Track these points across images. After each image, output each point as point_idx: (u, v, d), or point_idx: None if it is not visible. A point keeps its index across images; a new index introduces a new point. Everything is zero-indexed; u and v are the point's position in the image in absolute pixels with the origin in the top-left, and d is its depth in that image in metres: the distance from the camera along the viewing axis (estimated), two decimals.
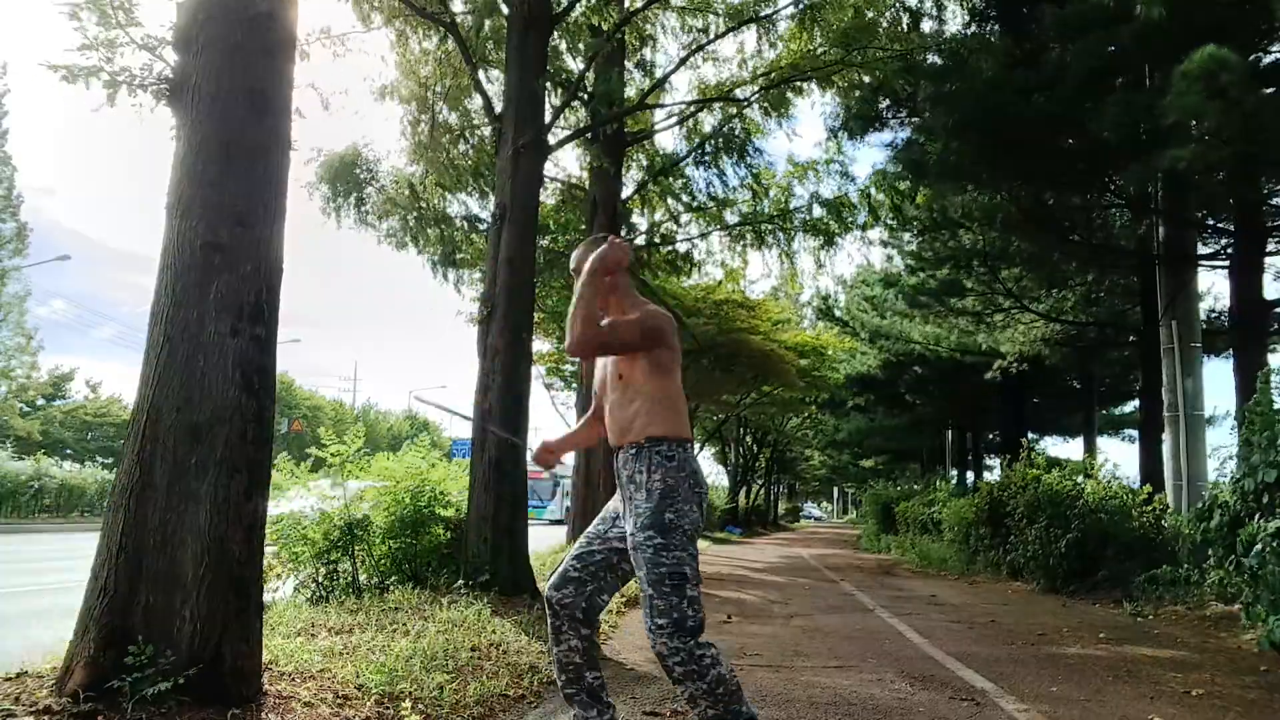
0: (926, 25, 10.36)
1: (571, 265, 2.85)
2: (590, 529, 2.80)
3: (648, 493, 2.57)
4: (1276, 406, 5.49)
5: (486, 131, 10.55)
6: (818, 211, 13.00)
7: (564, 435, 3.12)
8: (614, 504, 2.79)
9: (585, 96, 10.26)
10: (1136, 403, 17.31)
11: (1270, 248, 10.76)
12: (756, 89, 11.06)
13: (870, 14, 9.63)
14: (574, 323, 2.57)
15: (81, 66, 3.54)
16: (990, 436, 26.79)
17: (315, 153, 10.70)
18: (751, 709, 2.55)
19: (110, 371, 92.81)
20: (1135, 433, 15.94)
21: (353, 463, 6.32)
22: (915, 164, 10.68)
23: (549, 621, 2.75)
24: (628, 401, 2.68)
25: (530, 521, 7.23)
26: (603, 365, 2.86)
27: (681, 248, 13.98)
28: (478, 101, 10.26)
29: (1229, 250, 10.71)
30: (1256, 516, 5.28)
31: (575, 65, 10.72)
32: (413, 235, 11.91)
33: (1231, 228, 10.66)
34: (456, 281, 13.57)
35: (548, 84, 8.30)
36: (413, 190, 11.00)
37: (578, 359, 2.82)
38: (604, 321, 2.70)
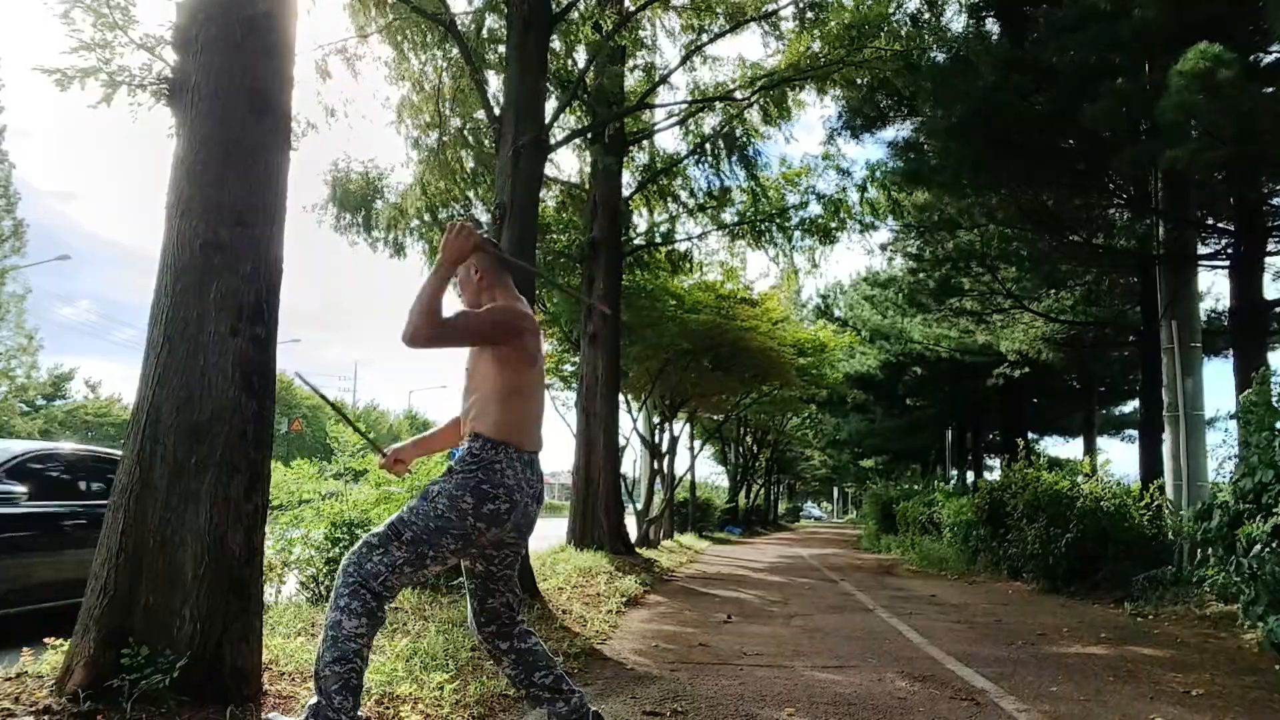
0: (926, 23, 10.35)
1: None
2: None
3: (439, 484, 2.57)
4: (1275, 406, 5.49)
5: (487, 135, 10.57)
6: (816, 210, 13.02)
7: (419, 438, 2.99)
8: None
9: (585, 96, 10.26)
10: (1136, 403, 17.32)
11: (1270, 248, 10.74)
12: (757, 89, 11.06)
13: (871, 9, 9.61)
14: (410, 313, 2.52)
15: (77, 68, 3.54)
16: (990, 436, 26.78)
17: (325, 174, 10.84)
18: (339, 697, 2.35)
19: (112, 372, 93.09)
20: (1135, 433, 15.93)
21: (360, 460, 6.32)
22: (914, 172, 10.68)
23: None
24: (470, 392, 2.68)
25: None
26: (466, 354, 2.81)
27: (681, 247, 13.99)
28: (480, 105, 10.30)
29: (1229, 250, 10.71)
30: (1255, 517, 5.28)
31: (576, 65, 10.72)
32: (404, 238, 11.92)
33: (1231, 227, 10.65)
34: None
35: (548, 84, 8.30)
36: (415, 198, 10.99)
37: (415, 349, 2.73)
38: (452, 313, 2.66)
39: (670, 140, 59.80)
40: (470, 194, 11.43)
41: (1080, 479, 9.62)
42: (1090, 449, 20.14)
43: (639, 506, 16.58)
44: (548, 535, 14.36)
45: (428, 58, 9.50)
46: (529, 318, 2.72)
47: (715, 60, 11.99)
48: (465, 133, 10.34)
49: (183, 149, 3.21)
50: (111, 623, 2.86)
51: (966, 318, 15.59)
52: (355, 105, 20.25)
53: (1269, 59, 8.45)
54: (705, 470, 40.66)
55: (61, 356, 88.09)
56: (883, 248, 14.70)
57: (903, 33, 9.79)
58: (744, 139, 12.57)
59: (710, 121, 12.56)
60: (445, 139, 10.10)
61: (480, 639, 2.74)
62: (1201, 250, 10.73)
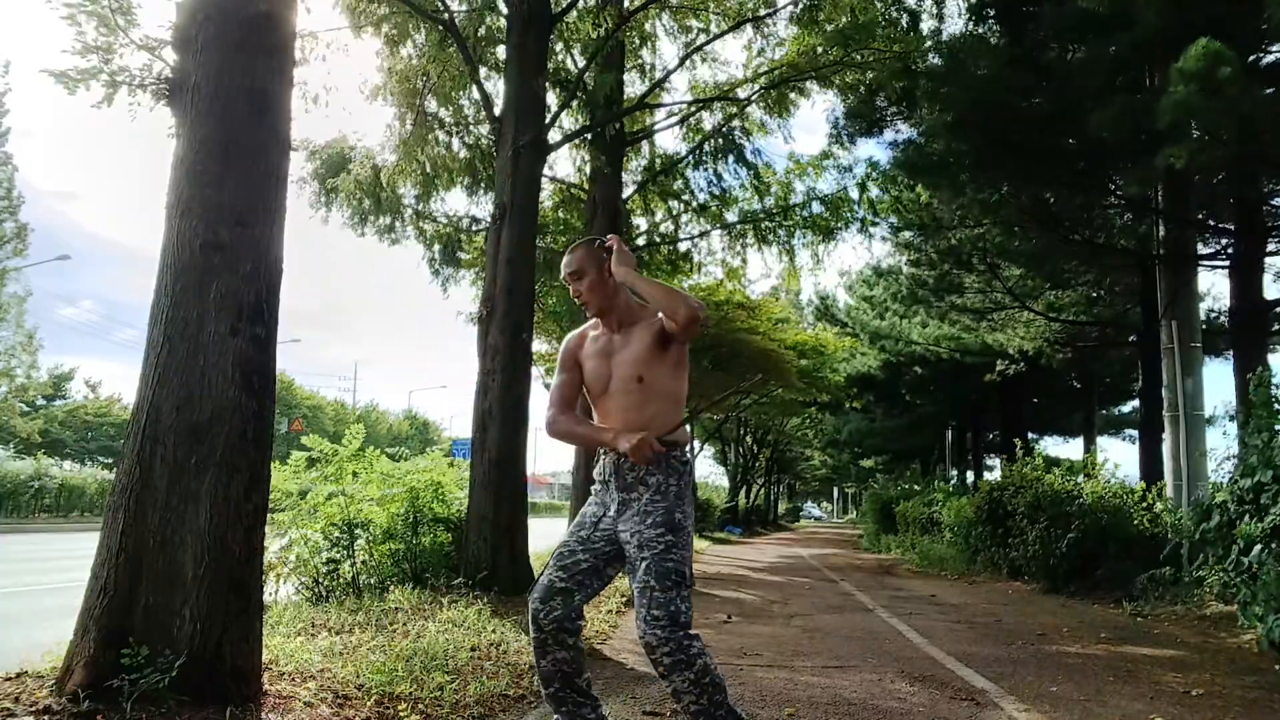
0: (926, 25, 10.37)
1: (568, 269, 2.72)
2: (570, 536, 2.72)
3: (662, 493, 2.60)
4: (1273, 407, 5.49)
5: (482, 130, 10.55)
6: (817, 208, 13.01)
7: (599, 428, 2.80)
8: (592, 508, 2.73)
9: (585, 96, 10.26)
10: (1136, 403, 17.33)
11: (1270, 248, 10.77)
12: (757, 88, 11.06)
13: (869, 13, 9.62)
14: (684, 300, 2.53)
15: (80, 70, 3.54)
16: (990, 436, 26.80)
17: (303, 143, 10.74)
18: (738, 709, 2.55)
19: (112, 372, 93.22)
20: (1135, 433, 15.96)
21: (352, 463, 6.30)
22: (913, 166, 10.68)
23: (533, 635, 2.63)
24: (645, 402, 2.65)
25: None
26: (596, 364, 2.74)
27: (681, 247, 13.98)
28: (469, 98, 10.28)
29: (1229, 250, 10.71)
30: (1253, 517, 5.28)
31: (576, 65, 10.72)
32: (378, 220, 11.90)
33: (1231, 227, 10.66)
34: (446, 280, 13.59)
35: (547, 84, 8.30)
36: (380, 181, 10.90)
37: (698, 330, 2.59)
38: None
39: (670, 140, 59.76)
40: (452, 187, 11.43)
41: (1082, 479, 9.63)
42: (1090, 449, 20.14)
43: None
44: (548, 535, 14.34)
45: (418, 53, 9.47)
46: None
47: (714, 60, 12.00)
48: (453, 129, 10.33)
49: (183, 149, 3.21)
50: (111, 623, 2.86)
51: (967, 315, 15.61)
52: (340, 92, 20.19)
53: (1269, 59, 8.46)
54: (705, 470, 40.71)
55: (62, 357, 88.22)
56: (885, 240, 14.66)
57: (901, 32, 9.79)
58: (742, 137, 12.56)
59: (710, 120, 12.57)
60: (436, 134, 10.08)
61: (540, 630, 2.60)
62: (1201, 250, 10.75)
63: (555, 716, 2.70)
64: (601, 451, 2.77)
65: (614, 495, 2.68)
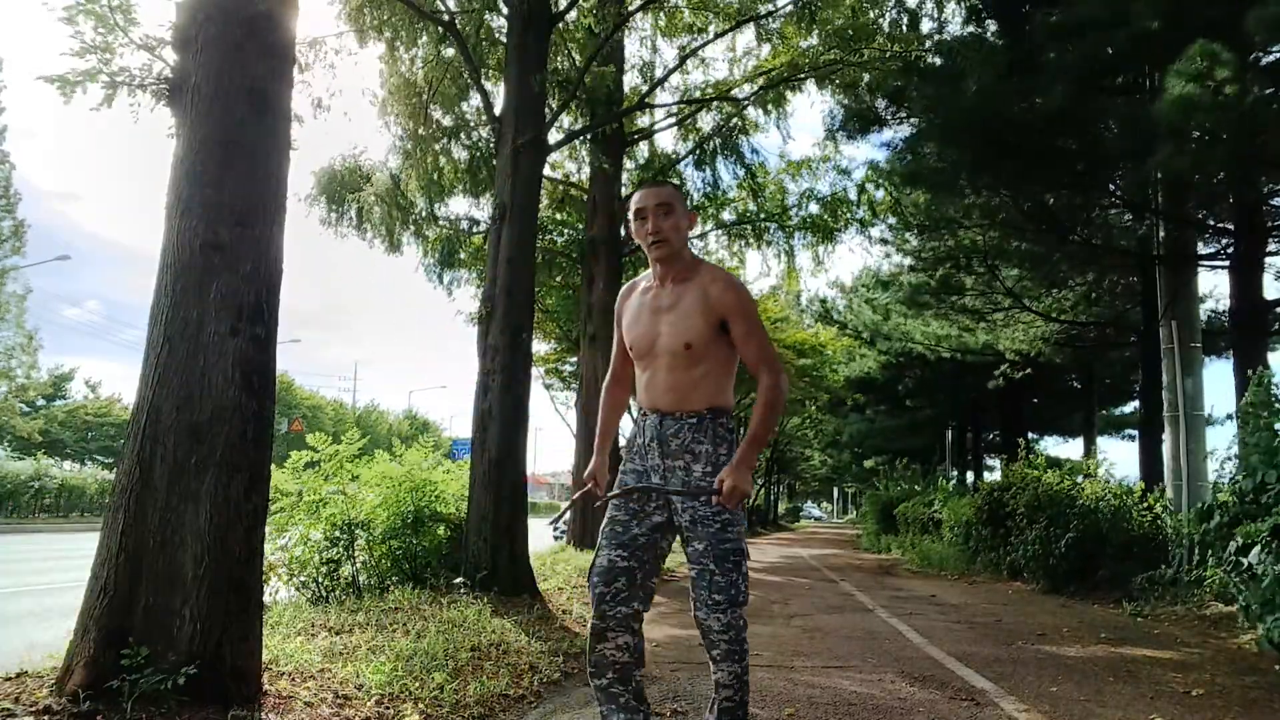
0: (926, 25, 10.36)
1: (656, 199, 2.58)
2: (617, 511, 2.60)
3: (714, 465, 2.51)
4: (1276, 406, 5.49)
5: (482, 132, 10.57)
6: (815, 209, 13.04)
7: (600, 445, 2.86)
8: (628, 477, 2.64)
9: (584, 96, 10.27)
10: (1136, 403, 17.33)
11: (1270, 247, 10.73)
12: (755, 88, 11.07)
13: (869, 14, 9.64)
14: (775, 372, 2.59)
15: (79, 71, 3.54)
16: (990, 436, 26.79)
17: (312, 178, 10.84)
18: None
19: (112, 372, 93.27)
20: (1135, 433, 15.95)
21: (352, 464, 6.30)
22: (912, 174, 10.66)
23: (593, 621, 2.52)
24: (691, 365, 2.54)
25: None
26: (644, 321, 2.63)
27: None
28: (472, 102, 10.30)
29: (1229, 250, 10.70)
30: (1255, 517, 5.28)
31: (575, 65, 10.73)
32: (402, 234, 11.91)
33: (1231, 227, 10.65)
34: (450, 283, 13.61)
35: (547, 83, 8.32)
36: (400, 191, 10.95)
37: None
38: (752, 348, 2.57)
39: (669, 140, 59.78)
40: (457, 190, 11.44)
41: (1081, 479, 9.63)
42: (1090, 449, 20.15)
43: None
44: (547, 535, 14.30)
45: (417, 55, 9.48)
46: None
47: (713, 61, 12.05)
48: (452, 130, 10.35)
49: (182, 149, 3.21)
50: (111, 623, 2.86)
51: (967, 316, 15.58)
52: (343, 98, 20.35)
53: (1268, 59, 8.44)
54: None
55: (62, 357, 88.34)
56: (884, 241, 14.65)
57: (901, 32, 9.79)
58: (739, 137, 12.58)
59: (709, 119, 12.57)
60: (436, 137, 10.09)
61: (602, 618, 2.52)
62: (1201, 250, 10.73)
63: (607, 709, 2.55)
64: (641, 412, 2.68)
65: (655, 462, 2.58)
